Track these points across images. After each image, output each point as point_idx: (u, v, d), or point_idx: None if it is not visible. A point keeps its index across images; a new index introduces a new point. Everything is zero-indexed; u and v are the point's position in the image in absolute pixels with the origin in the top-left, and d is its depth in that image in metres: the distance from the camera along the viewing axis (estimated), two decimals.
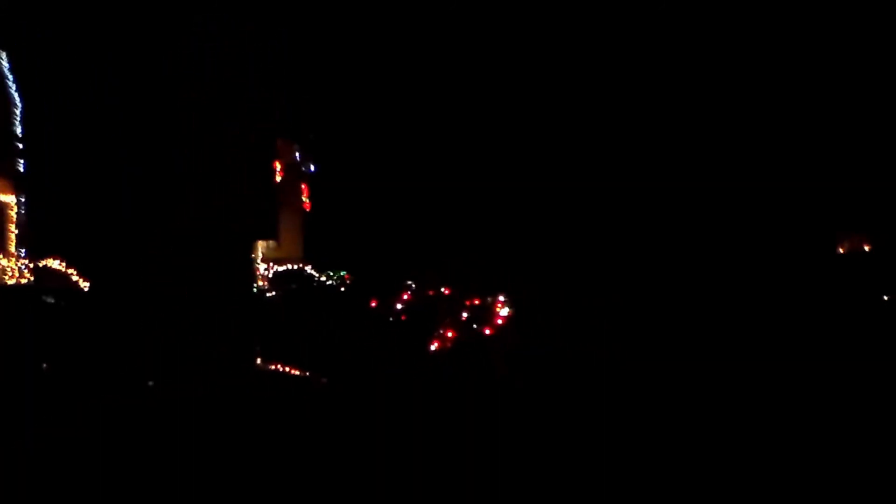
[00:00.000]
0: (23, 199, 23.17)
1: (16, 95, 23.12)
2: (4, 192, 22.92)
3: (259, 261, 24.40)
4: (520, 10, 26.44)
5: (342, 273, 25.06)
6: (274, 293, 23.93)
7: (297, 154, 26.40)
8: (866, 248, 28.95)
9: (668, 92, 27.85)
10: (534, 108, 27.13)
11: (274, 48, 22.47)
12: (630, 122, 27.78)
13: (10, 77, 22.98)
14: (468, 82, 27.23)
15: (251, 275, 23.26)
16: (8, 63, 22.91)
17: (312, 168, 26.78)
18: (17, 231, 22.96)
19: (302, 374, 20.43)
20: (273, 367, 20.47)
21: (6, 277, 22.03)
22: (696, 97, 27.72)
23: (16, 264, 22.41)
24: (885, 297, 26.64)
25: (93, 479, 13.74)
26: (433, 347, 22.60)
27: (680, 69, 27.73)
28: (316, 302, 23.87)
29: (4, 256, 22.44)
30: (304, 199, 26.31)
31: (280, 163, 25.39)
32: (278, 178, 25.25)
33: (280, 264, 24.89)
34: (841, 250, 29.26)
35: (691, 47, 27.54)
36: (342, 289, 24.70)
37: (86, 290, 22.85)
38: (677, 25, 27.13)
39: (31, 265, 22.61)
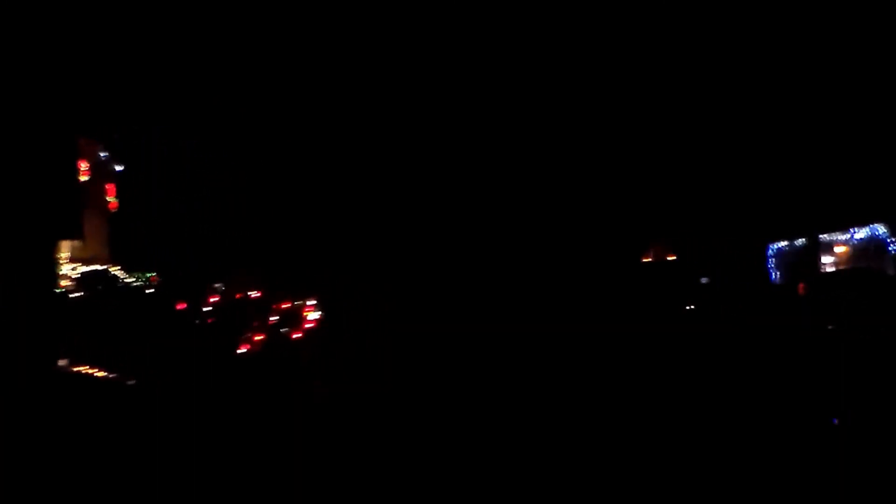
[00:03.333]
0: None
1: None
2: None
3: (65, 261, 23.88)
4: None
5: (149, 274, 24.72)
6: (79, 294, 23.43)
7: (102, 154, 25.95)
8: (670, 258, 29.76)
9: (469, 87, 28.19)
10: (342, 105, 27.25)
11: (69, 47, 22.05)
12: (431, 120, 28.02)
13: None
14: (273, 76, 27.16)
15: (54, 275, 22.73)
16: None
17: (118, 168, 26.35)
18: None
19: (108, 375, 20.12)
20: (78, 368, 20.09)
21: None
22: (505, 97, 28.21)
23: None
24: (688, 307, 27.61)
25: None
26: (241, 350, 22.56)
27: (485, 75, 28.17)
28: (122, 303, 23.51)
29: None
30: (109, 199, 25.86)
31: (84, 162, 24.90)
32: (83, 178, 24.76)
33: (86, 265, 24.40)
34: (646, 259, 30.01)
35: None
36: (149, 290, 24.35)
37: None
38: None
39: None
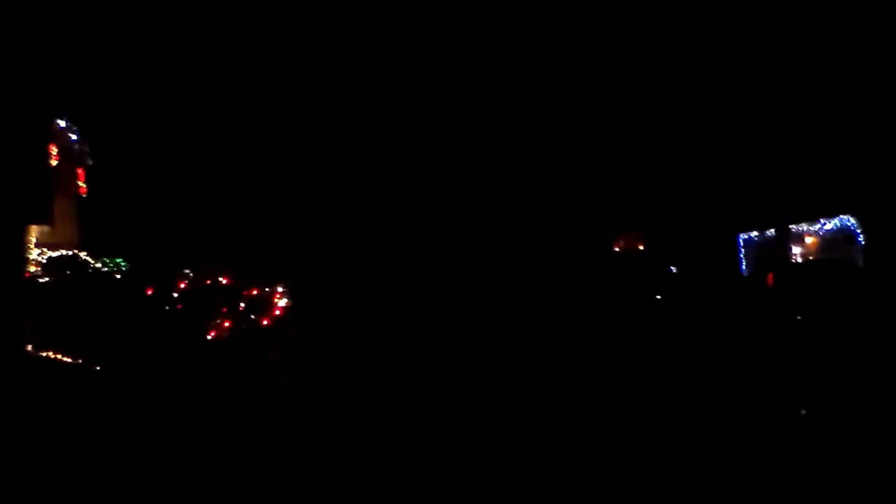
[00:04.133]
0: None
1: None
2: None
3: (32, 246, 23.79)
4: None
5: (118, 260, 24.66)
6: (47, 279, 23.35)
7: (74, 139, 25.86)
8: (640, 247, 29.85)
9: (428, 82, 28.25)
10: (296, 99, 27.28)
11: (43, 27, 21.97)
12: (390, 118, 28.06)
13: None
14: (235, 67, 27.17)
15: (22, 259, 22.64)
16: None
17: (89, 153, 26.29)
18: None
19: (74, 361, 20.07)
20: (45, 354, 20.04)
21: None
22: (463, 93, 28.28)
23: None
24: (658, 296, 27.70)
25: None
26: (210, 336, 22.55)
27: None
28: (90, 289, 23.43)
29: None
30: (80, 184, 25.77)
31: (55, 146, 24.81)
32: (53, 163, 24.67)
33: (54, 250, 24.31)
34: (616, 249, 30.10)
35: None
36: (117, 276, 24.29)
37: None
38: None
39: None
